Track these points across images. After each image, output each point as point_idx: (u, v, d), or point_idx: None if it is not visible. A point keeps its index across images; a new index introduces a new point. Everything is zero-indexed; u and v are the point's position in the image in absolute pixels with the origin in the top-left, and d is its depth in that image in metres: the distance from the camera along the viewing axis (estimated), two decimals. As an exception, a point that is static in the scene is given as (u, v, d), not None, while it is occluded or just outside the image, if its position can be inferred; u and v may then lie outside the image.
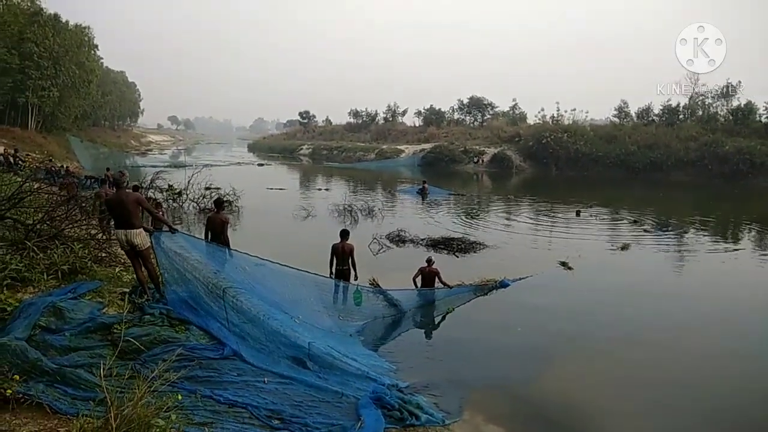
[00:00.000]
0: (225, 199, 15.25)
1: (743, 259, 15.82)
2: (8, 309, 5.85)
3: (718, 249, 17.17)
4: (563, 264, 13.42)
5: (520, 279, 11.85)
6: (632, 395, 7.14)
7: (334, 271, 9.56)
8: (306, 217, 20.03)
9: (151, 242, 7.11)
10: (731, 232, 21.36)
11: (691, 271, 14.33)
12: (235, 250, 7.96)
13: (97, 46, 54.11)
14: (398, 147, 61.70)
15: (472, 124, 67.99)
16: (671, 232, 19.82)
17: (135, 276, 7.30)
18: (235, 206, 19.77)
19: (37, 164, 22.98)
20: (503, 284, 11.39)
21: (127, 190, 7.11)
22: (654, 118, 52.19)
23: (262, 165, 53.39)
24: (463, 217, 21.69)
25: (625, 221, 22.02)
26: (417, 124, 72.76)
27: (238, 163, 53.38)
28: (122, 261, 8.78)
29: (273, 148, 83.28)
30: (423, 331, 9.69)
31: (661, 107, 51.45)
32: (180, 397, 4.42)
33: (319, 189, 32.95)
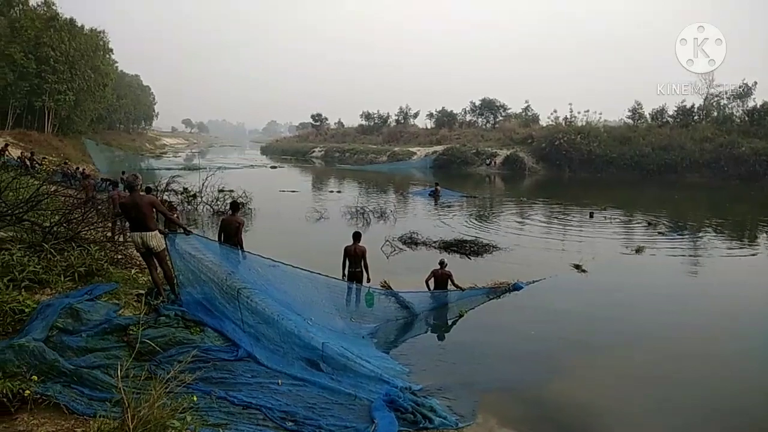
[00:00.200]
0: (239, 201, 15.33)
1: (760, 263, 15.62)
2: (26, 310, 5.89)
3: (733, 252, 16.92)
4: (577, 267, 13.33)
5: (534, 282, 11.78)
6: (646, 399, 7.07)
7: (346, 273, 9.57)
8: (318, 219, 20.09)
9: (166, 244, 7.18)
10: (748, 235, 21.04)
11: (707, 275, 14.14)
12: (249, 252, 8.02)
13: (112, 50, 54.79)
14: (410, 149, 61.70)
15: (484, 126, 67.72)
16: (686, 235, 19.60)
17: (150, 278, 7.36)
18: (248, 209, 19.87)
19: (53, 167, 23.29)
20: (516, 287, 11.34)
21: (141, 193, 7.16)
22: (668, 119, 51.62)
23: (275, 167, 53.64)
24: (475, 220, 21.61)
25: (639, 223, 21.82)
26: (429, 126, 72.66)
27: (251, 165, 53.67)
28: (138, 263, 8.86)
29: (286, 150, 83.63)
30: (435, 333, 9.66)
31: (676, 108, 50.96)
32: (195, 399, 4.45)
33: (331, 191, 33.01)
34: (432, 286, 10.39)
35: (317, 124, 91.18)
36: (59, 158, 29.82)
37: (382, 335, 8.63)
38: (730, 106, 49.64)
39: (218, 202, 20.37)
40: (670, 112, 51.52)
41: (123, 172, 20.81)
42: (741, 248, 17.89)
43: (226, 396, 5.07)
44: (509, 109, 67.11)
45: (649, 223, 21.06)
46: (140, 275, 8.41)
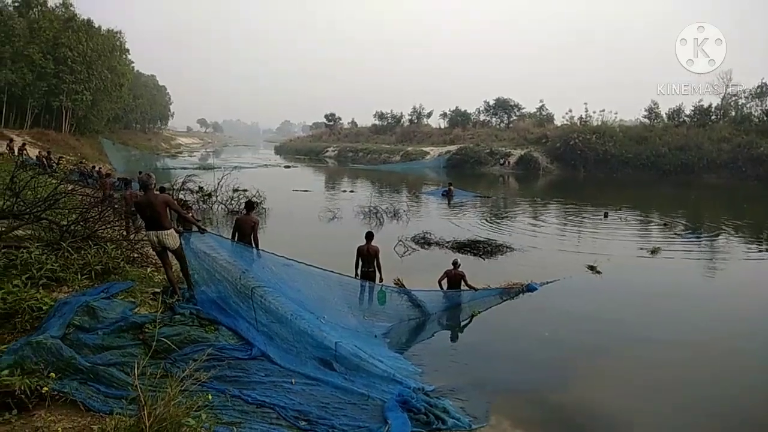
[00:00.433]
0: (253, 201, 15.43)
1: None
2: (44, 308, 5.96)
3: (752, 255, 16.68)
4: (591, 268, 13.21)
5: (548, 283, 11.70)
6: (662, 403, 6.98)
7: (359, 273, 9.58)
8: (331, 218, 20.13)
9: (181, 243, 7.24)
10: (767, 237, 20.73)
11: (724, 278, 13.92)
12: (263, 251, 8.06)
13: (128, 50, 55.47)
14: (423, 149, 61.67)
15: (498, 126, 67.47)
16: (703, 237, 19.35)
17: (165, 276, 7.42)
18: (262, 208, 19.97)
19: (71, 167, 23.57)
20: (530, 288, 11.27)
21: (155, 192, 7.22)
22: (685, 119, 51.02)
23: (288, 167, 53.83)
24: (489, 220, 21.52)
25: (655, 224, 21.59)
26: (442, 126, 72.56)
27: (265, 165, 53.93)
28: (153, 262, 8.94)
29: (299, 150, 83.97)
30: (448, 334, 9.64)
31: (693, 108, 50.33)
32: (210, 397, 4.48)
33: (344, 191, 33.07)
34: (445, 286, 10.36)
35: (331, 123, 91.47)
36: (76, 157, 30.17)
37: (395, 335, 8.62)
38: (748, 105, 49.06)
39: (233, 202, 20.51)
40: (687, 112, 50.96)
41: (140, 172, 21.01)
42: (760, 251, 17.63)
43: (240, 394, 5.09)
44: (523, 108, 66.92)
45: (665, 224, 20.84)
46: (156, 274, 8.49)
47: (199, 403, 4.10)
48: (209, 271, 7.24)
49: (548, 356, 8.27)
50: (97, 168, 25.69)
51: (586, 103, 57.62)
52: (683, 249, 16.70)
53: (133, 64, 63.74)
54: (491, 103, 67.75)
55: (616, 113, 56.00)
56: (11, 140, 26.54)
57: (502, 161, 52.23)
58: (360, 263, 9.64)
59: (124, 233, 10.27)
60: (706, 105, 49.73)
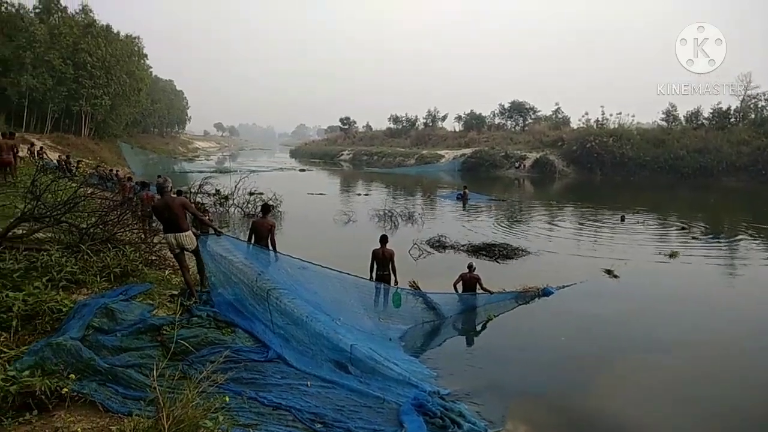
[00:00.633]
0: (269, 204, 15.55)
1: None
2: (64, 310, 6.00)
3: (773, 258, 16.40)
4: (608, 272, 13.08)
5: (564, 287, 11.61)
6: (680, 408, 6.89)
7: (374, 276, 9.58)
8: (347, 222, 20.17)
9: (198, 245, 7.32)
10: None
11: (744, 283, 13.65)
12: (279, 253, 8.11)
13: (146, 56, 56.20)
14: (438, 152, 61.62)
15: (513, 129, 67.26)
16: (722, 240, 19.06)
17: (183, 279, 7.50)
18: (278, 211, 20.09)
19: (90, 170, 23.92)
20: (546, 292, 11.18)
21: (171, 195, 7.31)
22: (704, 121, 50.40)
23: (303, 170, 54.12)
24: (504, 223, 21.42)
25: (673, 227, 21.32)
26: (457, 129, 72.47)
27: (281, 168, 54.29)
28: (171, 264, 9.00)
29: (314, 153, 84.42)
30: (464, 338, 9.60)
31: (711, 110, 49.68)
32: (227, 399, 4.51)
33: (359, 194, 33.14)
34: (460, 289, 10.33)
35: (345, 127, 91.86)
36: (95, 161, 30.66)
37: (410, 338, 8.61)
38: (768, 108, 48.25)
39: (249, 205, 20.65)
40: (706, 114, 50.35)
41: (159, 176, 21.25)
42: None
43: (257, 396, 5.10)
44: (539, 111, 66.77)
45: (684, 228, 20.57)
46: (173, 276, 8.55)
47: (216, 404, 4.12)
48: (226, 273, 7.30)
49: (565, 361, 8.20)
50: (115, 171, 26.03)
51: (602, 106, 57.10)
52: (702, 253, 16.45)
53: (151, 69, 64.64)
54: (506, 106, 67.62)
55: (633, 116, 55.63)
56: (32, 144, 27.00)
57: (517, 164, 52.00)
58: (375, 266, 9.65)
59: (143, 236, 10.37)
60: (725, 107, 49.09)
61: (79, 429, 4.12)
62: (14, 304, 5.68)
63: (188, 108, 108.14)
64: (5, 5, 37.44)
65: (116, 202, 11.18)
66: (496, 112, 69.46)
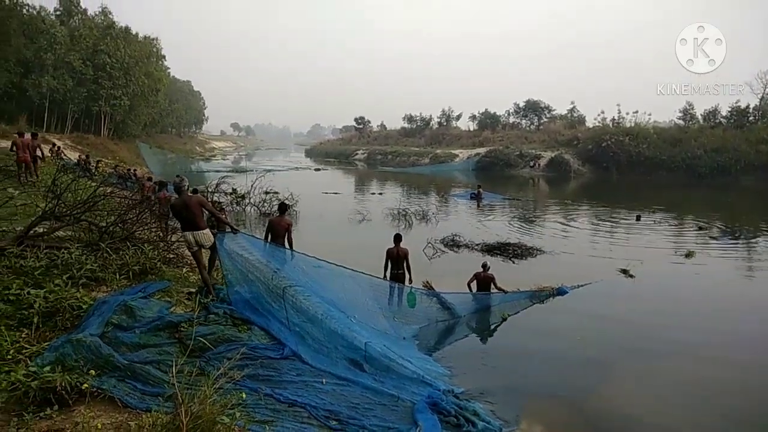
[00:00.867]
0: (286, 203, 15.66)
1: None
2: (84, 307, 6.10)
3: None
4: (624, 271, 12.97)
5: (579, 286, 11.54)
6: (696, 411, 6.83)
7: (388, 275, 9.60)
8: (361, 221, 20.22)
9: (215, 243, 7.41)
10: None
11: (762, 283, 13.47)
12: (295, 252, 8.17)
13: (164, 57, 56.72)
14: (452, 151, 61.46)
15: (528, 128, 66.79)
16: (740, 240, 18.78)
17: (200, 276, 7.59)
18: (293, 210, 20.19)
19: (109, 170, 24.25)
20: (561, 291, 11.13)
21: (189, 194, 7.41)
22: (721, 120, 49.57)
23: (318, 170, 54.29)
24: (518, 222, 21.32)
25: (690, 227, 21.07)
26: (471, 128, 72.19)
27: (296, 168, 54.53)
28: (189, 262, 9.10)
29: (329, 153, 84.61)
30: (478, 337, 9.58)
31: (729, 109, 48.83)
32: (244, 396, 4.56)
33: (373, 193, 33.18)
34: (474, 289, 10.33)
35: (360, 127, 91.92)
36: (115, 161, 31.07)
37: (424, 337, 8.61)
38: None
39: (265, 204, 20.80)
40: (723, 113, 49.51)
41: (177, 176, 21.47)
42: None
43: (272, 393, 5.14)
44: (554, 110, 66.15)
45: (700, 228, 20.31)
46: (191, 274, 8.64)
47: (233, 401, 4.18)
48: (242, 271, 7.36)
49: (580, 360, 8.16)
50: (133, 170, 26.34)
51: (618, 105, 56.56)
52: (719, 253, 16.24)
53: (169, 70, 65.24)
54: (521, 105, 67.18)
55: (649, 115, 54.94)
56: (53, 145, 27.43)
57: (532, 163, 51.66)
58: (389, 266, 9.67)
59: (161, 234, 10.50)
60: (743, 106, 48.24)
61: (98, 424, 4.17)
62: (35, 301, 5.79)
63: (205, 108, 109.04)
64: (27, 8, 38.06)
65: (135, 201, 11.33)
66: (510, 111, 69.06)
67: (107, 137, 46.66)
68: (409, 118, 79.96)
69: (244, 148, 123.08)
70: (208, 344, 5.77)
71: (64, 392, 4.39)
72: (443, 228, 18.35)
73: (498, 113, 70.31)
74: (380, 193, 32.60)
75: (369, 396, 5.56)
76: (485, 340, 9.38)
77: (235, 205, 20.95)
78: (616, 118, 54.91)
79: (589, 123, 60.26)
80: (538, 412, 6.53)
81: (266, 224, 9.63)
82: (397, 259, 9.63)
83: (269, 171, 30.46)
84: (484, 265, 10.53)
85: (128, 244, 8.57)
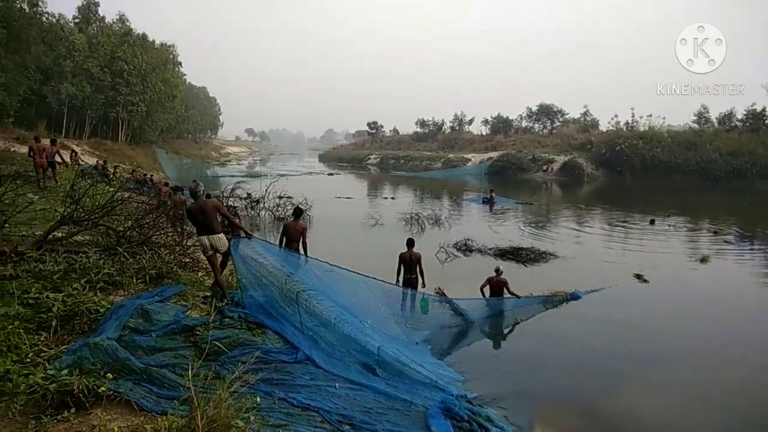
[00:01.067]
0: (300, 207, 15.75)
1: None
2: (101, 310, 6.16)
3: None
4: (638, 276, 12.87)
5: (593, 291, 11.47)
6: (710, 417, 6.76)
7: (401, 279, 9.62)
8: (374, 225, 20.25)
9: (229, 249, 7.48)
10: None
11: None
12: (308, 257, 8.22)
13: (180, 63, 57.34)
14: (465, 155, 61.33)
15: (541, 132, 66.52)
16: (756, 245, 18.53)
17: (215, 280, 7.66)
18: (307, 214, 20.27)
19: (127, 175, 24.52)
20: (574, 296, 11.07)
21: (204, 199, 7.50)
22: (737, 123, 48.98)
23: (331, 174, 54.44)
24: (531, 227, 21.23)
25: (705, 232, 20.83)
26: (484, 133, 72.07)
27: (309, 172, 54.69)
28: (204, 266, 9.18)
29: (342, 157, 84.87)
30: (490, 342, 9.57)
31: (745, 112, 48.21)
32: (259, 399, 4.60)
33: (386, 197, 33.21)
34: (487, 293, 10.30)
35: (373, 131, 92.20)
36: (132, 166, 31.39)
37: (436, 342, 8.60)
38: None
39: (279, 209, 20.92)
40: (739, 116, 48.91)
41: (193, 181, 21.64)
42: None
43: (286, 397, 5.16)
44: (567, 114, 65.85)
45: (715, 232, 20.08)
46: (206, 278, 8.71)
47: (248, 404, 4.21)
48: (256, 275, 7.42)
49: (593, 366, 8.12)
50: (149, 175, 26.60)
51: (632, 108, 55.97)
52: (735, 258, 16.05)
53: (185, 77, 65.90)
54: (534, 109, 66.97)
55: (663, 118, 54.39)
56: (72, 151, 27.79)
57: (545, 167, 51.40)
58: (402, 270, 9.69)
59: (177, 239, 10.61)
60: (759, 109, 47.56)
61: (115, 427, 4.21)
62: (54, 304, 5.87)
63: (221, 114, 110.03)
64: (47, 16, 38.69)
65: (152, 206, 11.45)
66: (523, 115, 68.99)
67: (125, 143, 47.16)
68: (422, 123, 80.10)
69: (259, 153, 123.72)
70: (223, 348, 5.82)
71: (81, 395, 4.42)
72: (456, 232, 18.34)
73: (510, 117, 70.25)
74: (392, 198, 32.63)
75: (382, 401, 5.56)
76: (498, 345, 9.36)
77: (249, 210, 21.09)
78: (629, 121, 54.55)
79: (603, 127, 59.95)
80: (551, 417, 6.50)
81: (281, 228, 9.69)
82: (409, 264, 9.65)
83: (283, 176, 30.55)
84: (497, 270, 10.51)
85: (145, 248, 8.63)
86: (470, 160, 58.79)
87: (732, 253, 16.67)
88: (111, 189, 12.83)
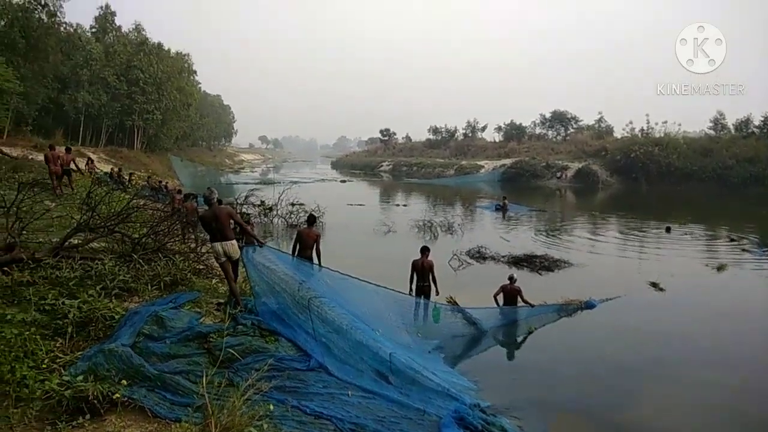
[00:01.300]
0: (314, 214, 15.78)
1: None
2: (116, 317, 6.20)
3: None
4: (654, 285, 12.72)
5: (608, 300, 11.34)
6: (728, 427, 6.62)
7: (414, 287, 9.59)
8: (386, 232, 20.24)
9: (241, 255, 7.51)
10: None
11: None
12: (321, 267, 8.23)
13: (195, 72, 57.94)
14: (478, 162, 61.25)
15: (554, 139, 66.24)
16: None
17: (228, 287, 7.69)
18: (320, 221, 20.31)
19: (142, 182, 24.78)
20: (589, 305, 10.96)
21: (218, 205, 7.55)
22: (754, 129, 48.42)
23: (344, 181, 54.60)
24: (545, 234, 21.09)
25: (722, 239, 20.55)
26: (497, 140, 71.90)
27: (322, 179, 54.94)
28: (218, 273, 9.21)
29: (355, 165, 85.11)
30: (504, 350, 9.50)
31: (762, 118, 47.64)
32: (272, 407, 4.59)
33: (398, 205, 33.20)
34: (501, 301, 10.23)
35: (385, 138, 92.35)
36: (147, 173, 31.76)
37: (449, 350, 8.54)
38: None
39: (292, 216, 21.00)
40: (756, 123, 48.32)
41: (208, 188, 21.81)
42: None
43: (299, 405, 5.13)
44: (581, 121, 65.58)
45: (733, 240, 19.79)
46: (220, 285, 8.73)
47: (261, 412, 4.20)
48: (268, 283, 7.43)
49: (608, 375, 8.02)
50: (164, 183, 26.87)
51: (647, 115, 55.62)
52: (753, 266, 15.79)
53: (200, 85, 66.58)
54: (547, 115, 66.73)
55: (679, 125, 53.96)
56: (89, 159, 28.17)
57: (559, 174, 51.16)
58: (415, 277, 9.65)
59: (192, 245, 10.68)
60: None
61: (129, 433, 4.22)
62: (70, 311, 5.90)
63: (235, 122, 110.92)
64: (64, 26, 39.37)
65: (167, 213, 11.54)
66: (536, 121, 68.81)
67: (140, 150, 47.72)
68: (434, 130, 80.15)
69: (272, 160, 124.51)
70: (236, 355, 5.83)
71: (96, 401, 4.43)
72: (469, 239, 18.27)
73: (524, 124, 70.05)
74: (405, 205, 32.62)
75: (395, 409, 5.52)
76: (511, 353, 9.29)
77: (262, 217, 21.20)
78: (645, 128, 54.20)
79: (618, 133, 59.58)
80: (567, 427, 6.43)
81: (294, 235, 9.71)
82: (422, 271, 9.61)
83: (296, 183, 30.76)
84: (511, 278, 10.44)
85: (160, 255, 8.69)
86: (483, 167, 58.71)
87: (750, 262, 16.40)
88: (127, 196, 12.95)
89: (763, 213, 31.08)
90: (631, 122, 56.30)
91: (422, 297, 9.42)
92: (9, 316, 5.57)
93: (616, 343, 9.36)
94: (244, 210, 19.36)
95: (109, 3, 46.66)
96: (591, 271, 14.65)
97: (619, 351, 8.97)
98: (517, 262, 14.93)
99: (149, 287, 7.60)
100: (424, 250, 9.76)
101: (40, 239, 9.15)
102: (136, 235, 9.38)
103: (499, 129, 72.38)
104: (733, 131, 50.43)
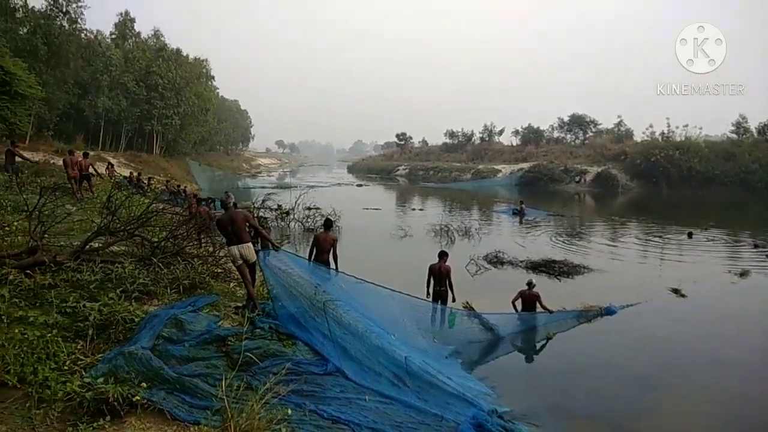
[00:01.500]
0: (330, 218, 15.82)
1: None
2: (136, 320, 6.26)
3: None
4: (675, 291, 12.52)
5: (628, 306, 11.18)
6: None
7: (431, 292, 9.54)
8: (403, 236, 20.21)
9: (258, 258, 7.54)
10: None
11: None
12: (337, 271, 8.24)
13: (213, 77, 58.65)
14: (495, 166, 60.95)
15: (573, 143, 65.67)
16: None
17: (246, 291, 7.72)
18: (336, 225, 20.34)
19: (161, 186, 25.06)
20: (609, 311, 10.81)
21: (234, 209, 7.60)
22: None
23: (360, 185, 54.69)
24: (563, 239, 20.88)
25: (745, 245, 20.15)
26: (514, 144, 71.54)
27: (338, 183, 55.07)
28: (236, 277, 9.27)
29: (371, 169, 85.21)
30: (522, 356, 9.40)
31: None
32: (290, 411, 4.59)
33: (414, 209, 33.14)
34: (519, 307, 10.14)
35: (402, 143, 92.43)
36: (166, 177, 32.14)
37: (466, 355, 8.48)
38: None
39: (308, 220, 21.08)
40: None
41: (225, 192, 21.99)
42: None
43: (316, 409, 5.13)
44: (600, 124, 64.86)
45: (756, 245, 19.40)
46: (238, 288, 8.79)
47: (279, 416, 4.20)
48: (285, 287, 7.45)
49: (628, 382, 7.90)
50: (183, 187, 27.14)
51: (668, 118, 54.86)
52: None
53: (218, 90, 67.32)
54: (565, 119, 66.17)
55: (700, 128, 53.14)
56: (108, 163, 28.59)
57: (577, 179, 50.68)
58: (431, 282, 9.61)
59: (210, 249, 10.75)
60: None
61: (148, 436, 4.24)
62: (90, 313, 5.97)
63: (252, 126, 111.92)
64: (85, 32, 40.08)
65: (185, 217, 11.63)
66: (554, 125, 68.26)
67: (159, 155, 48.37)
68: (451, 134, 80.00)
69: (289, 164, 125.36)
70: (254, 358, 5.84)
71: (116, 403, 4.48)
72: (486, 244, 18.16)
73: (542, 128, 69.57)
74: (421, 209, 32.55)
75: (412, 415, 5.48)
76: (530, 359, 9.20)
77: (279, 221, 21.30)
78: (665, 132, 53.46)
79: (637, 137, 58.81)
80: (586, 435, 6.33)
81: (311, 239, 9.73)
82: (439, 276, 9.56)
83: (312, 187, 30.93)
84: (530, 283, 10.34)
85: (179, 258, 8.76)
86: (500, 171, 58.39)
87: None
88: (146, 200, 13.08)
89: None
90: (651, 125, 55.61)
91: (439, 301, 9.37)
92: (31, 319, 5.64)
93: (635, 350, 9.22)
94: (261, 214, 19.45)
95: (128, 9, 47.59)
96: (611, 276, 14.47)
97: (639, 358, 8.83)
98: (535, 267, 14.80)
99: (168, 290, 7.66)
100: (442, 255, 9.71)
101: (62, 242, 9.27)
102: (156, 239, 9.48)
103: (516, 133, 72.12)
104: (755, 135, 49.53)
